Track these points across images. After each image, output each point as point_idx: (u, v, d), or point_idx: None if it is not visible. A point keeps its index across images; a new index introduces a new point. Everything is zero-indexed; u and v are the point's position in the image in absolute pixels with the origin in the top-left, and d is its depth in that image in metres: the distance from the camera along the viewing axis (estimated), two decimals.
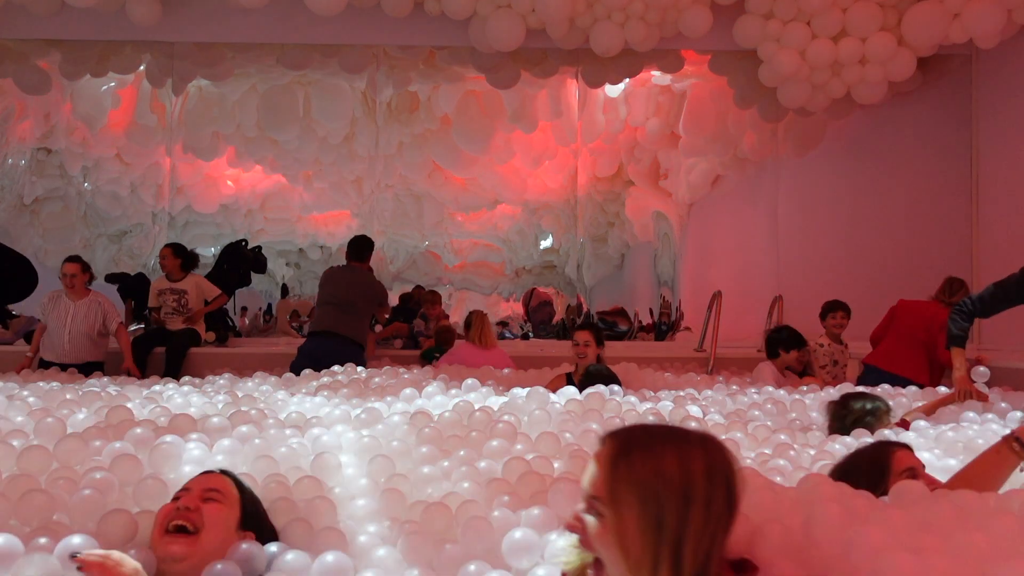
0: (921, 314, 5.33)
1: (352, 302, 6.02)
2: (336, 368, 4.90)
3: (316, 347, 5.85)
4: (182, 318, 6.42)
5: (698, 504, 1.19)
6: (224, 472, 1.89)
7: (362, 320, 6.09)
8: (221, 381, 4.42)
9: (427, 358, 6.37)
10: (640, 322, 11.49)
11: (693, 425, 3.06)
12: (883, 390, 4.07)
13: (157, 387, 4.01)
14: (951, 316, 4.03)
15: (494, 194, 13.01)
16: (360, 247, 6.34)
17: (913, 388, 4.33)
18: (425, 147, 11.52)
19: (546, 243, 13.92)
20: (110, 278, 8.38)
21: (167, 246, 6.67)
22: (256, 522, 1.81)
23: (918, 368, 5.36)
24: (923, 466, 2.06)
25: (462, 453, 2.41)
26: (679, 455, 1.22)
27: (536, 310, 12.31)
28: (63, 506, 1.92)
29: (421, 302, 8.15)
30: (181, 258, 6.50)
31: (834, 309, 5.89)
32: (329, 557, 1.66)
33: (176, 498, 1.77)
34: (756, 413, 3.61)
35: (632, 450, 1.25)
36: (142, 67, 8.38)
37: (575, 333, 4.97)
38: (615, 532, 1.21)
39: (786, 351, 5.40)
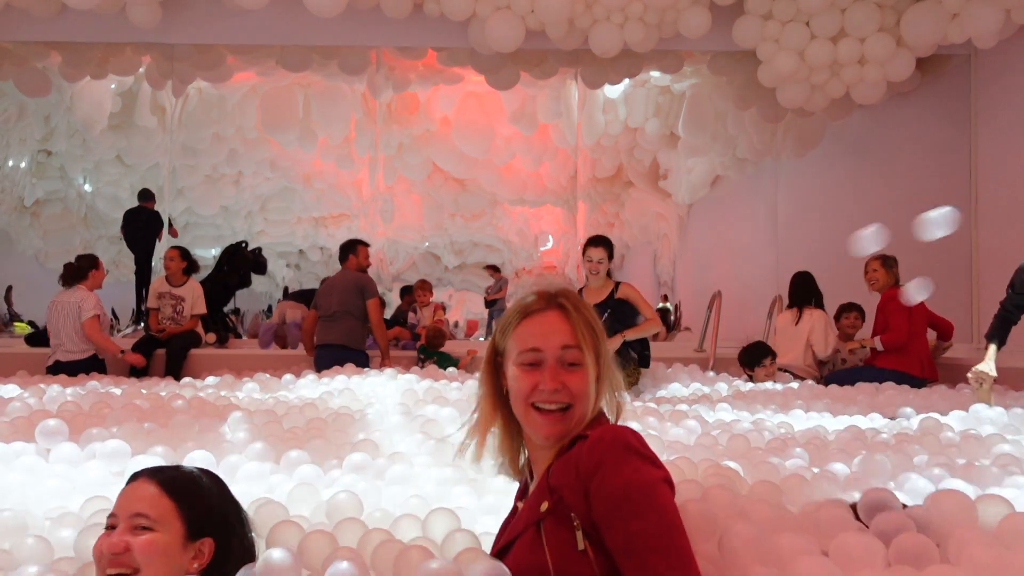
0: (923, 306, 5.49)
1: (333, 309, 6.14)
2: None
3: (317, 360, 6.04)
4: (177, 326, 6.48)
5: None
6: (153, 475, 1.60)
7: (346, 323, 6.11)
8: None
9: (423, 352, 6.38)
10: None
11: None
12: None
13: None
14: None
15: (494, 195, 13.02)
16: (342, 249, 6.52)
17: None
18: (425, 148, 11.52)
19: (546, 243, 13.93)
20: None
21: (174, 248, 6.77)
22: (210, 523, 1.58)
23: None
24: None
25: None
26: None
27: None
28: None
29: (412, 292, 8.17)
30: (187, 262, 6.59)
31: (848, 310, 6.04)
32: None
33: (109, 527, 1.53)
34: None
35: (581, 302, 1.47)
36: (142, 69, 8.39)
37: (589, 249, 5.06)
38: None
39: (750, 368, 5.50)
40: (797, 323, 5.97)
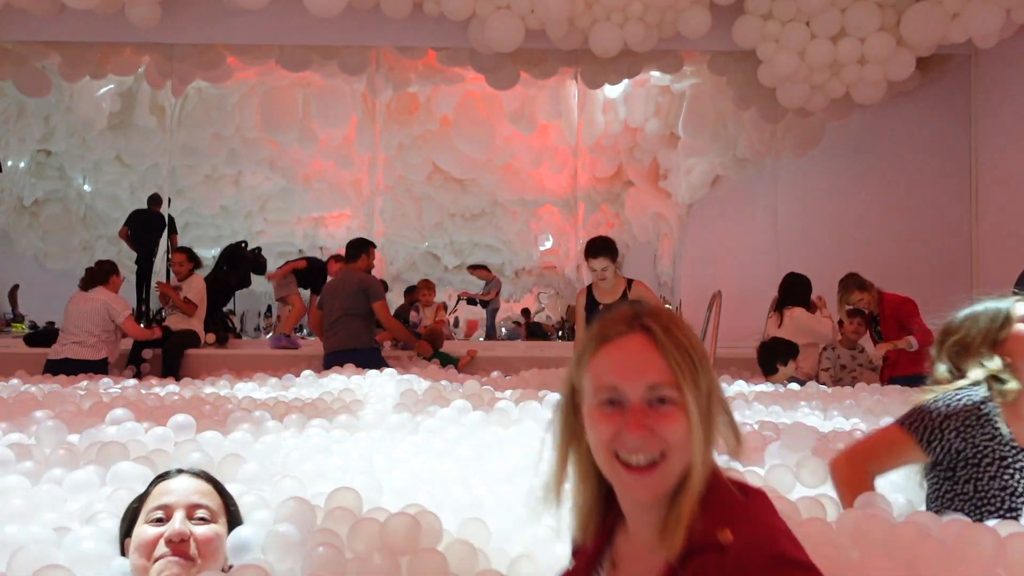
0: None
1: (336, 315, 6.09)
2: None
3: (327, 367, 5.96)
4: (180, 316, 6.60)
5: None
6: (197, 473, 1.69)
7: (348, 326, 6.06)
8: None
9: (442, 360, 6.37)
10: None
11: None
12: None
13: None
14: None
15: (494, 195, 13.02)
16: (349, 247, 6.46)
17: None
18: (425, 148, 11.51)
19: (546, 243, 13.91)
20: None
21: (180, 252, 6.94)
22: (235, 523, 1.67)
23: None
24: None
25: None
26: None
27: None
28: None
29: (415, 291, 8.18)
30: (193, 262, 6.86)
31: (853, 315, 6.01)
32: None
33: (159, 519, 1.56)
34: None
35: (674, 324, 1.16)
36: (142, 69, 8.39)
37: (590, 260, 4.75)
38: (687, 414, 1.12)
39: (783, 364, 5.40)
40: (780, 325, 5.99)
